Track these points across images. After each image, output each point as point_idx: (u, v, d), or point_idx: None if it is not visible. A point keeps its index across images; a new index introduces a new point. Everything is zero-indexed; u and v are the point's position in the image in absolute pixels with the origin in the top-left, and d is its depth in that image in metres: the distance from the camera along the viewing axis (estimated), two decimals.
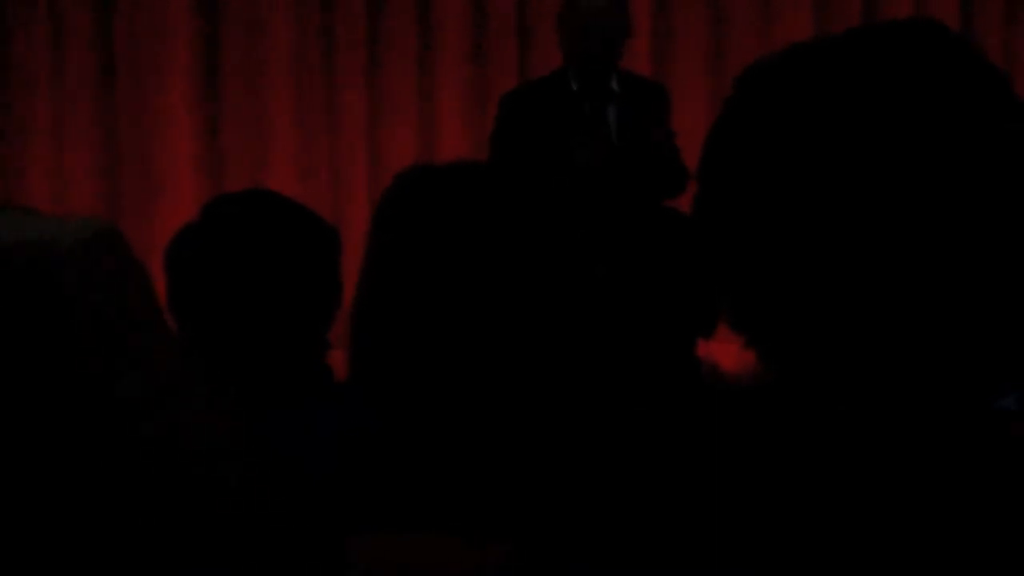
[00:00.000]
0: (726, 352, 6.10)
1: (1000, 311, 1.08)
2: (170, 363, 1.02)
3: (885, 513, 1.08)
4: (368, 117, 6.94)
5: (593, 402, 1.61)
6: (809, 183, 1.08)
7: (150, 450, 0.99)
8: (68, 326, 0.97)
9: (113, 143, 6.87)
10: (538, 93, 5.31)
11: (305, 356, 2.27)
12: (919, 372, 1.09)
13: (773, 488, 1.10)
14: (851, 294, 1.08)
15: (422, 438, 1.64)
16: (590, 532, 1.17)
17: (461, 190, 1.68)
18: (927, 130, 1.07)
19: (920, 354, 1.09)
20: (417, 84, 6.98)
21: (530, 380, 1.61)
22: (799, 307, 1.10)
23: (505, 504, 1.57)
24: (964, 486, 1.09)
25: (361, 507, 1.66)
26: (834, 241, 1.08)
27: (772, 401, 1.14)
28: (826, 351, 1.10)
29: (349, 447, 1.74)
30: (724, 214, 1.13)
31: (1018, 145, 1.09)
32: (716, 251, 1.14)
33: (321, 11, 6.97)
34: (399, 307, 1.64)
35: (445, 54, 7.00)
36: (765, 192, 1.10)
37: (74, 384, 0.97)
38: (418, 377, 1.63)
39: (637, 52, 6.44)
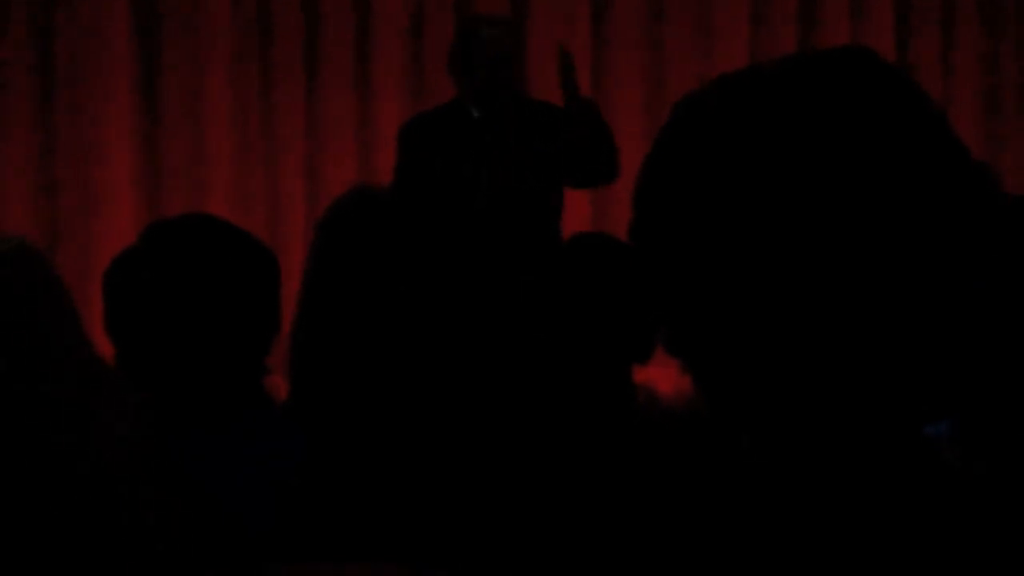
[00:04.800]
0: (664, 376, 6.12)
1: (929, 341, 1.10)
2: (83, 375, 1.03)
3: (807, 544, 1.09)
4: (306, 142, 6.93)
5: (526, 425, 1.61)
6: (743, 209, 1.09)
7: (60, 459, 1.00)
8: None
9: (50, 165, 6.83)
10: (438, 122, 5.31)
11: (243, 380, 2.27)
12: (848, 401, 1.10)
13: (694, 518, 1.11)
14: (782, 321, 1.09)
15: (354, 464, 1.64)
16: (520, 557, 1.17)
17: (395, 216, 1.68)
18: (859, 160, 1.08)
19: (848, 384, 1.10)
20: (355, 109, 6.98)
21: (465, 403, 1.62)
22: (731, 332, 1.11)
23: (435, 531, 1.57)
24: (893, 513, 1.09)
25: (289, 536, 1.65)
26: (767, 268, 1.09)
27: (702, 428, 1.15)
28: (757, 376, 1.11)
29: (277, 474, 1.73)
30: (660, 239, 1.13)
31: (949, 177, 1.10)
32: (653, 274, 1.14)
33: (259, 36, 6.96)
34: (336, 331, 1.64)
35: (383, 80, 7.00)
36: (700, 217, 1.11)
37: None
38: (356, 399, 1.63)
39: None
